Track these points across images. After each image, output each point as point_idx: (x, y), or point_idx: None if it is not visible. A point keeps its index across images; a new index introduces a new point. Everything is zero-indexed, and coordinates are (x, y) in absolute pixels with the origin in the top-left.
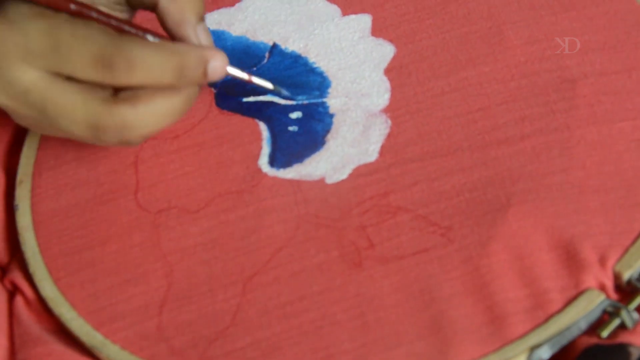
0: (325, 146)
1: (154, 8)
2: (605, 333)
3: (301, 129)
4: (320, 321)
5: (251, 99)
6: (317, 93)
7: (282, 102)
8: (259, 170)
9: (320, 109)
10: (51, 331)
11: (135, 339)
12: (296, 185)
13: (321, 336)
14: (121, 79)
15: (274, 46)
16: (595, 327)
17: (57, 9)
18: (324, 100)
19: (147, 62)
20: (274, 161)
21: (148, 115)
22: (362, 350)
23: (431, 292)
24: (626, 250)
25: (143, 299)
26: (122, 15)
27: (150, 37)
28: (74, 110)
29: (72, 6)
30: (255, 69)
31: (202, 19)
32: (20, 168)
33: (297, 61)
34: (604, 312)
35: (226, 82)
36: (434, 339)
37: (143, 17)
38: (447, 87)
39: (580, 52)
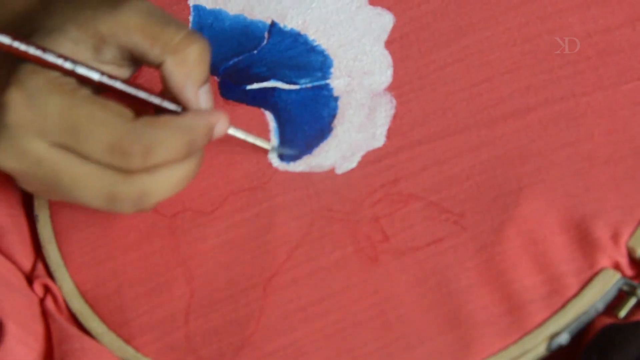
0: (333, 133)
1: (158, 66)
2: (622, 313)
3: (307, 116)
4: (342, 323)
5: (255, 86)
6: (319, 74)
7: (286, 87)
8: (270, 164)
9: (325, 92)
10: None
11: (165, 351)
12: (307, 178)
13: (344, 338)
14: (137, 164)
15: (273, 25)
16: (612, 306)
17: (80, 80)
18: (327, 82)
19: (162, 145)
20: (283, 155)
21: (166, 183)
22: (385, 351)
23: (448, 285)
24: (639, 224)
25: (168, 308)
26: (127, 71)
27: (166, 103)
28: (89, 181)
29: (97, 76)
30: (255, 51)
31: (206, 81)
32: None
33: (297, 40)
34: (620, 290)
35: (228, 69)
36: (455, 334)
37: None
38: (449, 57)
39: (582, 5)
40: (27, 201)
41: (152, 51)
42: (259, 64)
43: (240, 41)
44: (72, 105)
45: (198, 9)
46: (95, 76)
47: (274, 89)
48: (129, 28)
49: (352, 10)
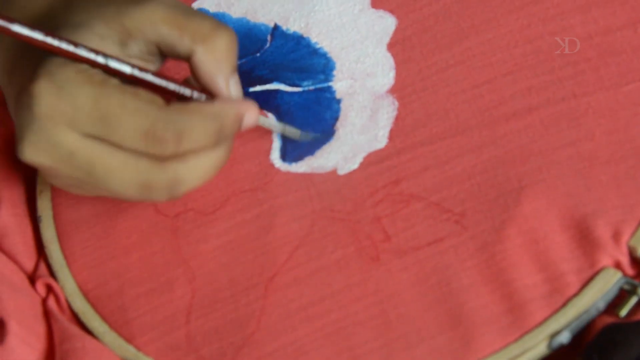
0: (335, 135)
1: (188, 58)
2: (623, 312)
3: (310, 118)
4: (342, 321)
5: (257, 88)
6: (322, 77)
7: (289, 89)
8: (272, 165)
9: (327, 95)
10: (85, 333)
11: (166, 350)
12: (309, 179)
13: (345, 337)
14: (170, 150)
15: (275, 28)
16: (613, 305)
17: (111, 73)
18: (330, 84)
19: (194, 131)
20: (285, 155)
21: (198, 169)
22: (386, 349)
23: (449, 284)
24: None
25: (170, 307)
26: (152, 65)
27: (195, 94)
28: (124, 170)
29: (128, 69)
30: (258, 54)
31: (235, 70)
32: (40, 177)
33: (299, 43)
34: (621, 289)
35: None
36: (455, 332)
37: None
38: (451, 59)
39: (583, 7)
40: (30, 202)
41: (182, 42)
42: (261, 67)
43: (243, 44)
44: (104, 94)
45: (201, 11)
46: (127, 69)
47: (276, 91)
48: (156, 21)
49: (354, 13)
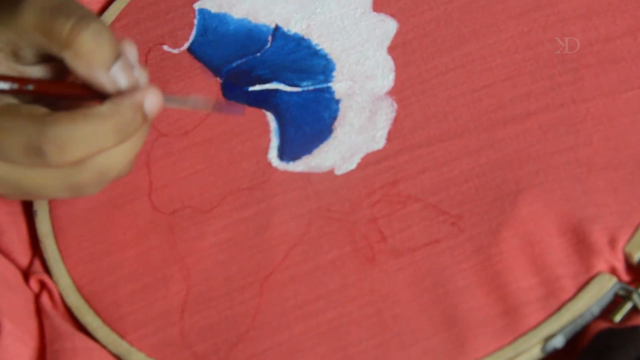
0: (333, 134)
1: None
2: (618, 317)
3: (308, 117)
4: (337, 321)
5: (257, 87)
6: (322, 77)
7: (288, 89)
8: (269, 164)
9: (327, 95)
10: (78, 329)
11: (160, 346)
12: (306, 178)
13: (339, 336)
14: (57, 161)
15: (277, 29)
16: (608, 310)
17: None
18: (329, 85)
19: (78, 137)
20: (283, 154)
21: (117, 157)
22: (380, 349)
23: (444, 285)
24: (636, 230)
25: (164, 304)
26: (54, 65)
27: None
28: (46, 179)
29: (7, 87)
30: (259, 54)
31: (116, 57)
32: None
33: (300, 44)
34: (616, 295)
35: (231, 71)
36: (449, 334)
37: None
38: (451, 63)
39: (584, 15)
40: None
41: (52, 49)
42: (261, 67)
43: (244, 44)
44: None
45: (203, 12)
46: (5, 87)
47: (276, 90)
48: (28, 29)
49: (356, 16)
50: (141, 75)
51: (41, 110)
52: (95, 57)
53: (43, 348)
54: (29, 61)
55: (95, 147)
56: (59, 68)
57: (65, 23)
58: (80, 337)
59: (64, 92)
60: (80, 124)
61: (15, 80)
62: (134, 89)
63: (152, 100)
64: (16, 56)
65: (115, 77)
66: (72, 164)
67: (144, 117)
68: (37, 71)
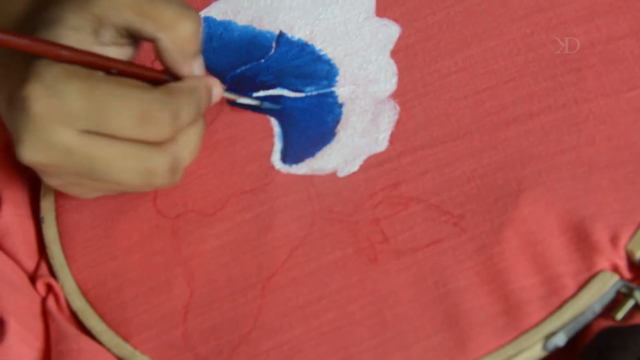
0: (336, 138)
1: (154, 42)
2: (620, 315)
3: (312, 121)
4: (339, 321)
5: (261, 93)
6: (325, 82)
7: (292, 94)
8: (272, 167)
9: (330, 99)
10: (83, 332)
11: (163, 349)
12: (309, 180)
13: (341, 336)
14: (166, 131)
15: (281, 35)
16: (610, 308)
17: (96, 68)
18: (333, 89)
19: (184, 111)
20: (286, 157)
21: (190, 144)
22: (381, 349)
23: (446, 285)
24: (638, 228)
25: (167, 307)
26: (129, 49)
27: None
28: (125, 160)
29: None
30: (263, 60)
31: (198, 53)
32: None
33: (303, 50)
34: (618, 292)
35: (235, 77)
36: (451, 333)
37: None
38: (453, 66)
39: (586, 17)
40: (34, 204)
41: (146, 28)
42: (265, 72)
43: (248, 50)
44: (92, 87)
45: (208, 20)
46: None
47: (279, 96)
48: (121, 7)
49: (359, 21)
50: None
51: (144, 83)
52: (191, 45)
53: (47, 350)
54: (106, 39)
55: (190, 119)
56: (129, 52)
57: (167, 8)
58: (85, 339)
59: (138, 74)
60: (184, 96)
61: (104, 58)
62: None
63: (217, 88)
64: (96, 34)
65: (195, 69)
66: (172, 138)
67: (210, 100)
68: (111, 52)
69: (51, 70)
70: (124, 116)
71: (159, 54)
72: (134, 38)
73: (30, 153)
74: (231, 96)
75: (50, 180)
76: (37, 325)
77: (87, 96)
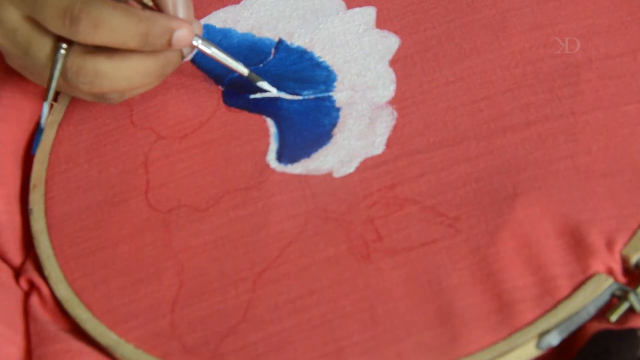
0: (332, 140)
1: None
2: (614, 317)
3: (308, 123)
4: (330, 314)
5: (258, 95)
6: (323, 87)
7: (289, 97)
8: (267, 166)
9: (327, 103)
10: (67, 330)
11: (149, 337)
12: (304, 180)
13: (331, 329)
14: (85, 36)
15: (280, 42)
16: (604, 311)
17: None
18: (330, 94)
19: (112, 24)
20: (281, 157)
21: (122, 69)
22: (371, 343)
23: (439, 283)
24: (634, 234)
25: (155, 297)
26: None
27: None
28: (51, 52)
29: None
30: (261, 65)
31: None
32: (34, 173)
33: (302, 56)
34: (613, 296)
35: (233, 80)
36: (443, 328)
37: None
38: (452, 76)
39: (584, 36)
40: (23, 199)
41: None
42: (263, 76)
43: (247, 56)
44: None
45: (208, 27)
46: None
47: (277, 98)
48: None
49: (359, 32)
50: (196, 24)
51: None
52: None
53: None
54: None
55: (119, 40)
56: None
57: None
58: (64, 340)
59: None
60: (119, 12)
61: None
62: (175, 17)
63: (183, 33)
64: None
65: (178, 5)
66: (99, 45)
67: (169, 43)
68: None
69: None
70: (51, 7)
71: None
72: None
73: None
74: (205, 48)
75: (10, 62)
76: (23, 323)
77: None
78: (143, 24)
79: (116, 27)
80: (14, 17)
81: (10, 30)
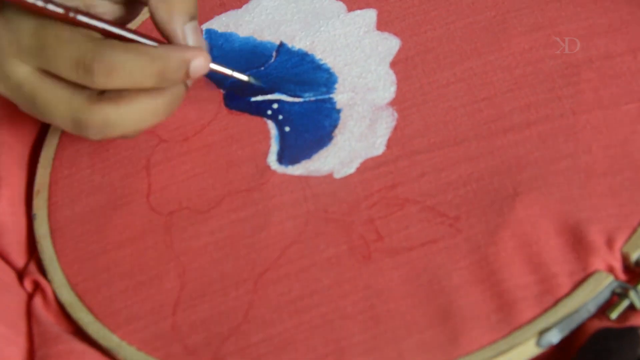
0: (333, 141)
1: (145, 3)
2: (614, 314)
3: (309, 125)
4: (330, 315)
5: (259, 97)
6: (324, 89)
7: (290, 99)
8: (268, 167)
9: (328, 105)
10: (69, 332)
11: (151, 339)
12: (304, 181)
13: (332, 330)
14: (100, 83)
15: (281, 45)
16: (604, 309)
17: (42, 14)
18: (331, 96)
19: (127, 67)
20: (282, 158)
21: (131, 114)
22: (372, 342)
23: (440, 282)
24: (634, 231)
25: (157, 300)
26: (120, 8)
27: (143, 40)
28: (58, 105)
29: (61, 10)
30: (262, 68)
31: (192, 18)
32: (37, 178)
33: (303, 59)
34: (613, 293)
35: (234, 83)
36: (443, 327)
37: None
38: (452, 77)
39: (584, 36)
40: (28, 202)
41: None
42: (264, 79)
43: (249, 59)
44: (42, 25)
45: (209, 32)
46: (60, 10)
47: (277, 100)
48: None
49: (359, 34)
50: (204, 44)
51: (97, 35)
52: (178, 6)
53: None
54: None
55: (136, 82)
56: (119, 11)
57: None
58: (67, 341)
59: (116, 32)
60: (132, 54)
61: (71, 10)
62: (188, 46)
63: (200, 62)
64: None
65: (187, 32)
66: (112, 100)
67: (186, 74)
68: (103, 6)
69: (13, 6)
70: (62, 59)
71: (151, 16)
72: (130, 1)
73: None
74: (219, 69)
75: (20, 108)
76: (26, 325)
77: (36, 34)
78: (157, 62)
79: (131, 70)
80: (20, 71)
81: (15, 85)
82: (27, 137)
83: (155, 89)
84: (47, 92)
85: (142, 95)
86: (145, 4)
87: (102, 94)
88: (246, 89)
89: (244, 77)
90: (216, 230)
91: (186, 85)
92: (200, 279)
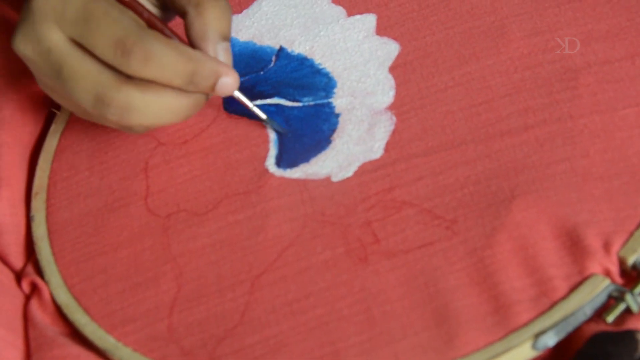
0: (331, 145)
1: (182, 16)
2: (610, 318)
3: (307, 129)
4: (326, 317)
5: (258, 102)
6: (323, 94)
7: (289, 104)
8: (266, 171)
9: (327, 109)
10: (66, 335)
11: (146, 341)
12: (302, 184)
13: (328, 331)
14: (135, 68)
15: (281, 49)
16: (601, 312)
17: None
18: (330, 100)
19: (163, 59)
20: (280, 162)
21: (154, 105)
22: (368, 344)
23: (436, 284)
24: (631, 235)
25: (153, 301)
26: (157, 12)
27: (176, 39)
28: (86, 77)
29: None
30: (262, 72)
31: (225, 39)
32: (36, 180)
33: (303, 63)
34: (610, 297)
35: None
36: (439, 330)
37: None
38: (450, 81)
39: (583, 41)
40: (27, 204)
41: (178, 1)
42: (264, 84)
43: (248, 63)
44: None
45: None
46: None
47: (276, 105)
48: None
49: (359, 39)
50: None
51: (143, 23)
52: (214, 25)
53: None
54: None
55: (167, 77)
56: (161, 15)
57: None
58: (62, 345)
59: (167, 34)
60: (170, 49)
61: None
62: (223, 63)
63: (229, 80)
64: None
65: (218, 51)
66: (143, 78)
67: (213, 87)
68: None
69: None
70: (104, 35)
71: (185, 29)
72: (166, 7)
73: (20, 42)
74: (242, 98)
75: (39, 82)
76: (20, 325)
77: (84, 6)
78: (192, 64)
79: (166, 64)
80: (53, 36)
81: (45, 49)
82: (28, 138)
83: (181, 90)
84: (77, 62)
85: (169, 91)
86: (182, 16)
87: (131, 79)
88: (245, 94)
89: (262, 116)
90: (213, 232)
91: (207, 98)
92: (196, 280)
